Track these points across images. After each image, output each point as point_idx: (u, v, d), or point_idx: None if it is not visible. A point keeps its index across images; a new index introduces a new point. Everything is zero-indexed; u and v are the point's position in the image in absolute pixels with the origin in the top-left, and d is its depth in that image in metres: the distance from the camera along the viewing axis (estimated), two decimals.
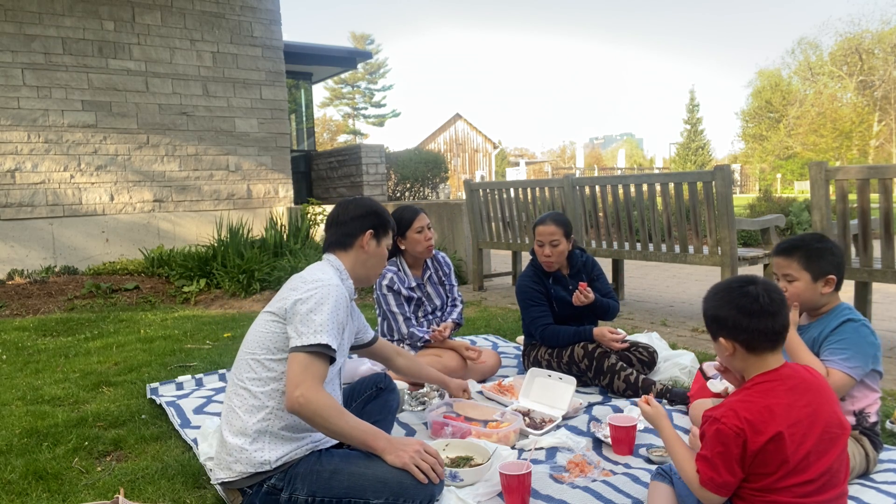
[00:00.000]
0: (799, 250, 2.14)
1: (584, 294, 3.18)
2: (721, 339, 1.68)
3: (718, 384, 2.58)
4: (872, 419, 2.12)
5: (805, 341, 2.14)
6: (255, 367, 1.99)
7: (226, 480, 1.96)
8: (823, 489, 1.57)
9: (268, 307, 2.08)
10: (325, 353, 1.89)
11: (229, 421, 1.99)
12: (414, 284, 3.42)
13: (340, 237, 2.19)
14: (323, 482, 1.92)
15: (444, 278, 3.57)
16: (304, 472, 1.93)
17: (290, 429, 1.97)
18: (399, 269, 3.39)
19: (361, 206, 2.23)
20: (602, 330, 3.14)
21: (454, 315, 3.54)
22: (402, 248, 3.38)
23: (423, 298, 3.46)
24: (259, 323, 2.06)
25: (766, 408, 1.56)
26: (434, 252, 3.50)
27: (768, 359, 1.64)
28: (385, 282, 3.33)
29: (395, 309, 3.32)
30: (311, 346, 1.87)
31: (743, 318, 1.62)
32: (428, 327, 3.40)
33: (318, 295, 1.95)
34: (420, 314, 3.46)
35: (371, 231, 2.20)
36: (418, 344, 3.34)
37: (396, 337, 3.38)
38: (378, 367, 3.24)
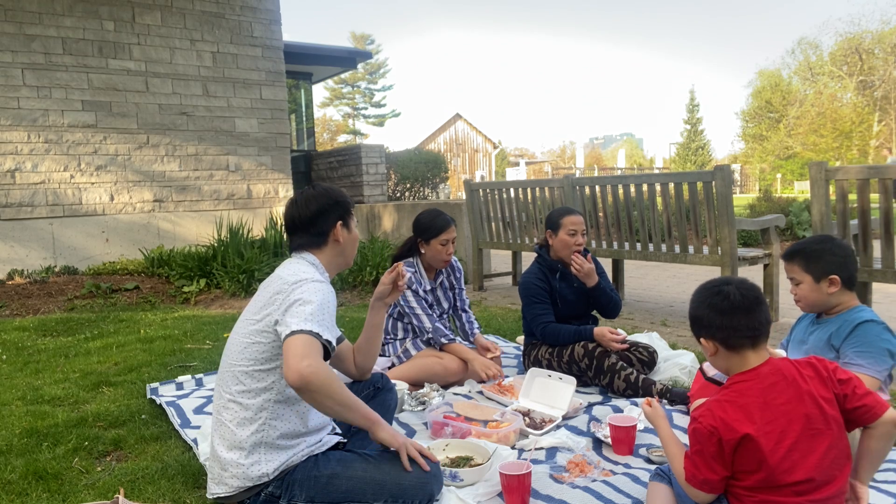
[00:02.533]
0: (799, 254, 2.21)
1: (578, 261, 3.20)
2: (702, 340, 1.74)
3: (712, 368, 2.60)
4: None
5: (820, 336, 2.20)
6: (244, 378, 1.92)
7: (222, 496, 1.93)
8: (818, 488, 1.58)
9: (249, 314, 1.99)
10: (320, 341, 1.80)
11: (222, 435, 1.94)
12: (428, 288, 3.40)
13: (312, 238, 2.08)
14: (321, 487, 1.91)
15: (455, 283, 3.57)
16: (301, 478, 1.92)
17: (286, 436, 1.93)
18: (416, 271, 3.36)
19: (321, 200, 2.09)
20: (602, 330, 3.14)
21: (475, 327, 3.56)
22: (422, 251, 3.35)
23: (434, 303, 3.45)
24: (243, 333, 1.97)
25: (741, 407, 1.60)
26: None
27: (749, 356, 1.67)
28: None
29: (414, 305, 3.30)
30: (307, 330, 1.78)
31: (716, 316, 1.68)
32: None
33: (308, 292, 1.87)
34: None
35: (340, 222, 2.10)
36: (442, 340, 3.31)
37: (400, 336, 3.38)
38: (378, 367, 3.24)
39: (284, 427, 1.93)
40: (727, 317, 1.66)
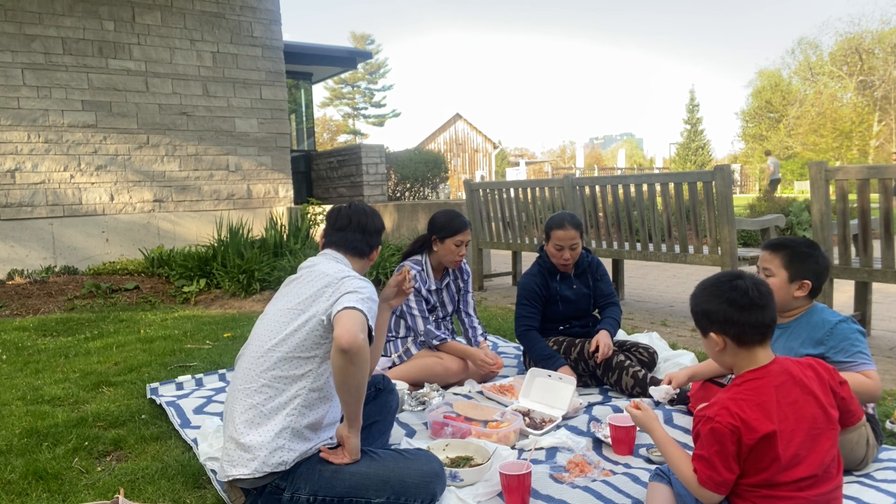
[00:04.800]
0: (786, 249, 2.23)
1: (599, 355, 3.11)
2: (712, 334, 1.70)
3: (659, 391, 2.63)
4: (870, 410, 2.19)
5: (790, 346, 2.22)
6: (282, 364, 1.95)
7: (238, 477, 1.92)
8: (818, 483, 1.59)
9: (291, 303, 2.03)
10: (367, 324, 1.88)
11: (249, 419, 1.93)
12: (434, 288, 3.39)
13: (364, 246, 2.26)
14: (325, 481, 1.91)
15: (462, 285, 3.56)
16: (306, 471, 1.93)
17: (312, 427, 1.95)
18: (423, 269, 3.35)
19: (381, 222, 2.33)
20: (566, 369, 3.08)
21: (479, 332, 3.55)
22: (434, 248, 3.35)
23: (438, 304, 3.44)
24: (283, 321, 2.00)
25: (759, 406, 1.58)
26: None
27: (758, 353, 1.66)
28: None
29: (412, 305, 3.30)
30: (360, 309, 1.87)
31: (733, 311, 1.65)
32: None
33: (359, 286, 1.98)
34: (431, 318, 3.42)
35: (379, 246, 2.32)
36: (433, 342, 3.31)
37: (402, 334, 3.37)
38: (378, 367, 3.24)
39: (313, 416, 1.95)
40: (745, 312, 1.63)
